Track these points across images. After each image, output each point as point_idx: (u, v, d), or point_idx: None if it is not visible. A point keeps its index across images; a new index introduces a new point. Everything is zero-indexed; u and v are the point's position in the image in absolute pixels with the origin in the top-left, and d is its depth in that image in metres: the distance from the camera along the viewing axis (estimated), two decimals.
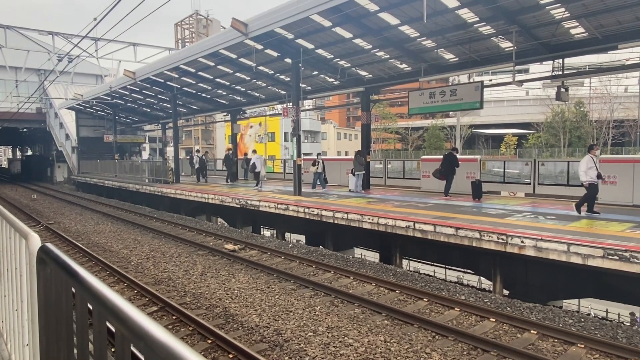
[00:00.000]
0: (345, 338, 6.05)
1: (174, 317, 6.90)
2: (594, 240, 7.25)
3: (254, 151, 22.44)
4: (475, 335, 6.02)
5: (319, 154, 18.03)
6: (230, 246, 11.86)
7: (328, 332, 6.24)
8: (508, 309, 7.17)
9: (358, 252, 14.36)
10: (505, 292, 8.76)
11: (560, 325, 6.46)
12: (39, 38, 30.60)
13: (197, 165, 23.72)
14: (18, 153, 65.57)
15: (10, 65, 32.18)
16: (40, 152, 50.45)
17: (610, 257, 6.77)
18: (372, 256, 13.15)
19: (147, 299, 7.81)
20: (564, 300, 9.48)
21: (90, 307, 1.25)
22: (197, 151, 26.83)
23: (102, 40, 23.86)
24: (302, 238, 14.65)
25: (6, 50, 26.77)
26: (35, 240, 1.94)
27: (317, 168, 17.17)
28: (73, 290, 1.41)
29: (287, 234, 15.12)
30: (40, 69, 34.22)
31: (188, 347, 0.77)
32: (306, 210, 12.37)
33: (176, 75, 19.89)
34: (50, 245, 1.65)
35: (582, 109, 40.94)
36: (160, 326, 0.85)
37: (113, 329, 1.05)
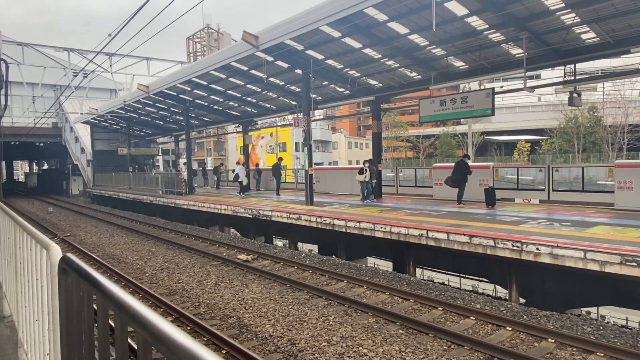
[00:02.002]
0: (360, 348, 6.01)
1: (189, 328, 6.94)
2: (611, 246, 7.13)
3: (238, 162, 23.49)
4: (492, 344, 5.95)
5: (365, 161, 15.99)
6: (243, 256, 11.90)
7: (342, 342, 6.22)
8: (525, 317, 7.07)
9: (371, 261, 14.30)
10: (522, 300, 8.64)
11: (579, 333, 6.36)
12: (55, 54, 31.37)
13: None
14: (35, 167, 66.84)
15: (27, 82, 32.96)
16: (56, 166, 51.36)
17: (628, 263, 6.66)
18: (385, 265, 13.07)
19: (162, 310, 7.86)
20: (582, 309, 9.31)
21: (111, 318, 1.28)
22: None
23: (117, 55, 24.34)
24: (315, 248, 14.63)
25: (24, 67, 27.44)
26: (57, 251, 1.99)
27: (365, 177, 15.52)
28: (94, 298, 1.45)
29: (299, 244, 15.13)
30: (56, 85, 34.98)
31: (209, 350, 0.79)
32: (318, 219, 12.38)
33: (188, 88, 20.18)
34: (71, 256, 1.70)
35: (595, 114, 40.45)
36: (182, 331, 0.88)
37: (134, 345, 1.08)
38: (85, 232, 17.90)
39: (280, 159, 21.70)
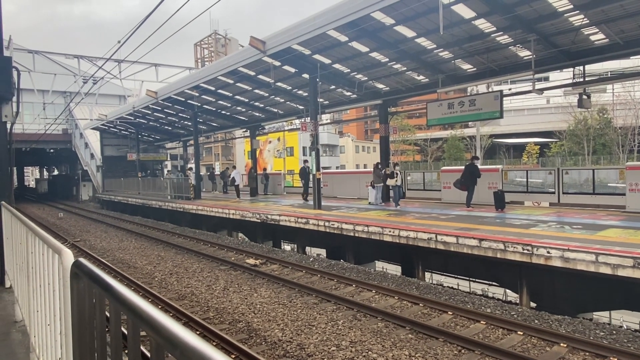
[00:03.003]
0: (369, 352, 5.98)
1: (198, 332, 6.94)
2: (623, 249, 7.05)
3: (234, 167, 25.11)
4: (503, 349, 5.89)
5: (396, 165, 15.83)
6: (251, 261, 11.92)
7: (351, 347, 6.19)
8: (536, 321, 6.99)
9: (379, 265, 14.24)
10: (532, 304, 8.55)
11: (591, 338, 6.27)
12: (65, 62, 31.77)
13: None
14: (45, 173, 67.57)
15: (38, 89, 33.41)
16: (66, 171, 51.90)
17: None
18: (394, 269, 13.02)
19: (171, 314, 7.88)
20: (594, 313, 9.19)
21: (123, 323, 1.29)
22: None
23: (126, 62, 24.60)
24: (323, 252, 14.62)
25: (34, 74, 27.83)
26: (69, 256, 2.00)
27: (396, 180, 15.02)
28: (107, 303, 1.46)
29: (307, 248, 15.12)
30: (66, 91, 35.43)
31: (223, 354, 0.79)
32: (326, 223, 12.37)
33: (197, 94, 20.31)
34: (83, 260, 1.71)
35: (605, 116, 40.11)
36: (195, 335, 0.88)
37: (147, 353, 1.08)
38: (95, 237, 18.03)
39: (306, 161, 20.10)
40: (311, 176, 15.85)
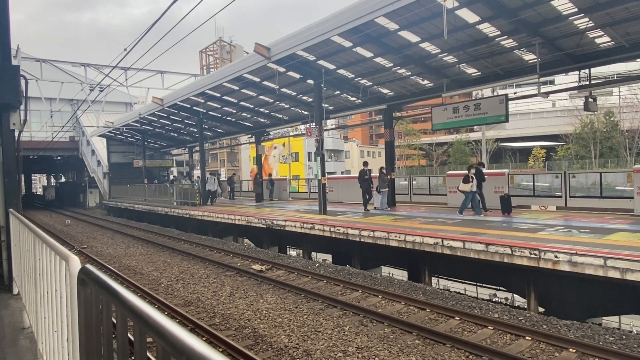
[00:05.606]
0: (376, 359, 5.95)
1: (204, 338, 6.93)
2: (632, 253, 6.98)
3: (212, 174, 27.41)
4: (512, 354, 5.83)
5: (471, 167, 13.39)
6: (257, 267, 11.91)
7: (358, 353, 6.16)
8: (544, 326, 6.93)
9: (385, 270, 14.19)
10: (540, 309, 8.48)
11: (601, 343, 6.20)
12: (72, 70, 32.08)
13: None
14: (52, 180, 68.07)
15: (45, 97, 33.74)
16: (73, 178, 52.21)
17: None
18: (400, 274, 12.96)
19: (177, 320, 7.88)
20: (604, 317, 9.08)
21: (130, 328, 1.29)
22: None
23: (132, 69, 24.77)
24: (329, 257, 14.58)
25: (42, 82, 28.07)
26: (76, 262, 2.01)
27: (471, 186, 12.83)
28: (113, 309, 1.46)
29: (313, 254, 15.09)
30: (73, 99, 35.75)
31: None
32: (332, 229, 12.35)
33: (202, 100, 20.43)
34: (90, 267, 1.72)
35: (612, 119, 39.84)
36: (201, 341, 0.88)
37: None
38: (102, 243, 18.11)
39: (366, 163, 16.66)
40: (317, 182, 15.73)
